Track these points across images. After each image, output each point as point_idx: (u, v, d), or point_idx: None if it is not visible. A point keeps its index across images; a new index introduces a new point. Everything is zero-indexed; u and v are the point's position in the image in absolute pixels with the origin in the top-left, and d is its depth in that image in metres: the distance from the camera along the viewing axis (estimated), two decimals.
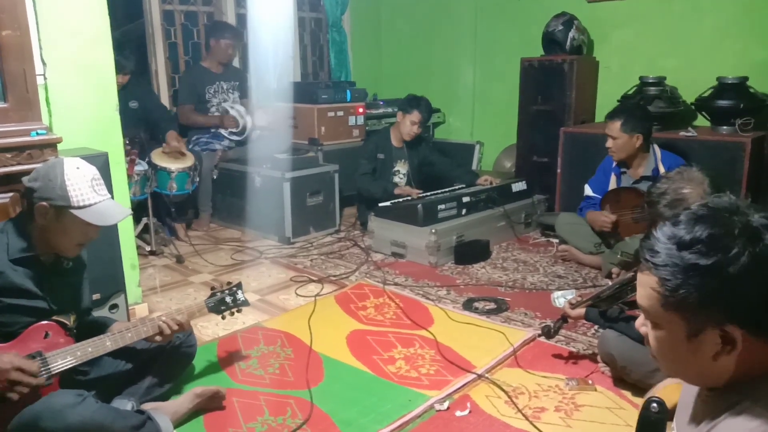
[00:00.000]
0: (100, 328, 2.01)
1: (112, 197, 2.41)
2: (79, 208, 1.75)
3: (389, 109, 5.35)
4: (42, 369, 1.73)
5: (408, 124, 4.22)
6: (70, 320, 1.92)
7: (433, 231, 3.62)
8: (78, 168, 1.78)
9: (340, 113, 4.89)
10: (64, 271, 1.92)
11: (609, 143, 3.37)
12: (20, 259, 1.80)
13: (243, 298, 2.32)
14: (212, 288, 2.31)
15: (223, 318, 2.28)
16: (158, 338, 2.03)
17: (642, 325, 0.98)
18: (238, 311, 2.33)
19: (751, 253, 0.83)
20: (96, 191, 1.79)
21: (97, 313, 2.52)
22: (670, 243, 0.88)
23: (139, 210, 3.76)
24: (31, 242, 1.82)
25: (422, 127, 4.29)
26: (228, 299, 2.28)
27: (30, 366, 1.68)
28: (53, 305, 1.87)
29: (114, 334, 1.91)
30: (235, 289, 2.31)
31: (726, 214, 0.88)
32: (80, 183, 1.76)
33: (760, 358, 0.87)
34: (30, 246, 1.82)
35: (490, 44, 5.39)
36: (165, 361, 2.16)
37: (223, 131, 4.58)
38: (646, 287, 0.91)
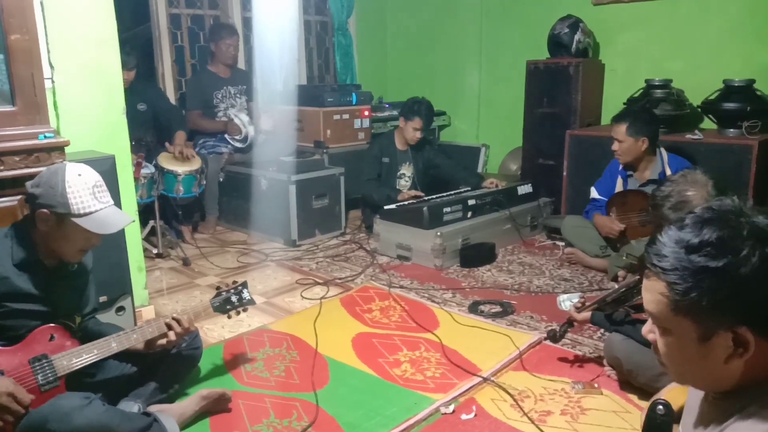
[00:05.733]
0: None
1: (119, 200, 2.44)
2: (80, 215, 1.75)
3: (395, 112, 5.35)
4: (47, 375, 1.74)
5: (410, 130, 4.23)
6: (75, 323, 1.93)
7: (439, 234, 3.62)
8: (80, 175, 1.78)
9: (346, 116, 4.91)
10: (69, 274, 1.93)
11: (615, 146, 3.36)
12: (24, 264, 1.80)
13: (249, 297, 2.30)
14: (218, 288, 2.30)
15: (229, 317, 2.27)
16: (162, 341, 2.01)
17: (650, 331, 0.97)
18: (244, 310, 2.30)
19: (761, 254, 0.83)
20: (97, 198, 1.79)
21: (103, 316, 2.54)
22: (677, 247, 0.88)
23: (145, 213, 3.77)
24: (35, 247, 1.82)
25: (425, 131, 4.30)
26: (234, 298, 2.26)
27: (23, 395, 1.66)
28: (58, 308, 1.87)
29: (119, 335, 1.92)
30: (240, 288, 2.30)
31: (732, 216, 0.88)
32: (81, 190, 1.75)
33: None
34: (34, 251, 1.82)
35: (496, 47, 5.39)
36: (171, 363, 2.16)
37: (227, 136, 4.60)
38: (654, 292, 0.91)
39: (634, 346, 2.15)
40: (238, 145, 4.61)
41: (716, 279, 0.84)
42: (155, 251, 3.89)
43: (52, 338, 1.83)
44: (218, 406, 2.15)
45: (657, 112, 3.80)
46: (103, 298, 2.54)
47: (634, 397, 2.20)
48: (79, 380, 1.89)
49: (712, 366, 0.89)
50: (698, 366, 0.91)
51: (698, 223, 0.88)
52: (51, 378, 1.75)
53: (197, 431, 2.06)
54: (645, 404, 2.09)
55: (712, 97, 3.75)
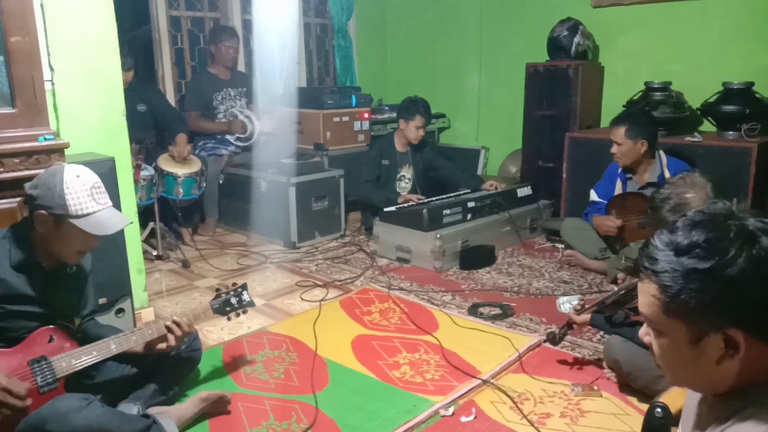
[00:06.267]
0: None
1: (119, 202, 2.45)
2: (78, 217, 1.74)
3: (394, 114, 5.32)
4: (46, 377, 1.74)
5: (413, 130, 4.23)
6: (74, 324, 1.93)
7: (438, 236, 3.62)
8: (78, 176, 1.78)
9: (346, 118, 4.91)
10: (67, 276, 1.93)
11: (614, 149, 3.36)
12: (22, 266, 1.80)
13: (248, 299, 2.31)
14: (217, 290, 2.30)
15: (229, 319, 2.27)
16: (162, 345, 2.01)
17: (645, 334, 0.98)
18: (244, 312, 2.31)
19: (749, 255, 0.84)
20: (95, 200, 1.78)
21: (103, 318, 2.54)
22: (668, 249, 0.89)
23: (145, 215, 3.77)
24: (33, 249, 1.82)
25: (426, 129, 4.29)
26: (233, 300, 2.27)
27: (17, 387, 1.65)
28: (56, 310, 1.87)
29: (119, 337, 1.92)
30: (240, 290, 2.30)
31: (721, 218, 0.89)
32: (79, 191, 1.75)
33: (764, 362, 0.87)
34: (32, 253, 1.82)
35: (496, 49, 5.40)
36: (170, 365, 2.16)
37: (229, 137, 4.60)
38: (647, 295, 0.92)
39: (633, 349, 2.14)
40: (241, 144, 4.61)
41: (705, 280, 0.85)
42: (155, 253, 3.89)
43: (51, 340, 1.83)
44: (217, 408, 2.15)
45: (656, 114, 3.81)
46: (102, 300, 2.54)
47: (633, 400, 2.20)
48: (79, 382, 1.89)
49: (706, 367, 0.89)
50: (692, 367, 0.91)
51: (688, 226, 0.89)
52: (50, 380, 1.75)
53: None
54: (644, 406, 2.09)
55: (712, 100, 3.76)
